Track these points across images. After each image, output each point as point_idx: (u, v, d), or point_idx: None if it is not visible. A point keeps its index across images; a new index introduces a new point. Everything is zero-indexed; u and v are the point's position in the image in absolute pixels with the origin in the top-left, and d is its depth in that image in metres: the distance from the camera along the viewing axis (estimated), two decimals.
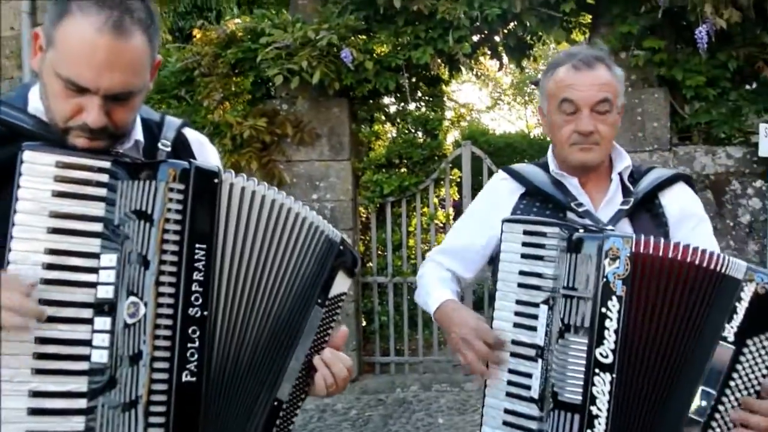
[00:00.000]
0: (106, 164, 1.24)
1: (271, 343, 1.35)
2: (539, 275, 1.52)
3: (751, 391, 1.40)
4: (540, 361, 1.51)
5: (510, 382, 1.56)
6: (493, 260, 1.76)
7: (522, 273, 1.54)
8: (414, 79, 5.99)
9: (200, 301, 1.24)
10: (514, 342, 1.56)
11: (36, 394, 1.19)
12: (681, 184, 1.78)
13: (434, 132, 5.66)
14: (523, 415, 1.53)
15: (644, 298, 1.42)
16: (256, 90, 5.34)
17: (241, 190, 1.30)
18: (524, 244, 1.55)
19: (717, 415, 1.40)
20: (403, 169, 5.64)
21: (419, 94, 6.31)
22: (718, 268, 1.42)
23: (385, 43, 5.23)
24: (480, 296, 6.12)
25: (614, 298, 1.42)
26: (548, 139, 1.86)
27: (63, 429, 1.19)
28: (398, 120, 6.13)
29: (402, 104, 6.01)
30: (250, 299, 1.32)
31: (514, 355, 1.56)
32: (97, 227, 1.23)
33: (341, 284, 1.44)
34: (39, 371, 1.19)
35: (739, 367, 1.39)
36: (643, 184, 1.74)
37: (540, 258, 1.53)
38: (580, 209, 1.68)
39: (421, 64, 5.14)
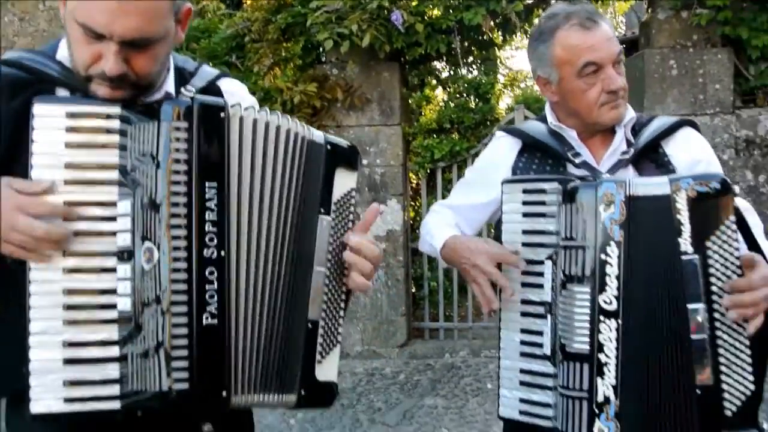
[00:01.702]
0: (116, 110, 1.24)
1: (290, 268, 1.34)
2: (542, 232, 1.55)
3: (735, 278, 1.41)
4: (549, 317, 1.54)
5: (523, 342, 1.59)
6: (497, 222, 1.75)
7: (525, 232, 1.58)
8: (466, 44, 5.93)
9: (215, 241, 1.23)
10: (524, 301, 1.58)
11: (70, 345, 1.21)
12: (685, 130, 1.74)
13: (486, 96, 5.59)
14: (538, 374, 1.55)
15: (644, 241, 1.44)
16: (306, 55, 5.34)
17: (253, 122, 1.28)
18: (525, 203, 1.58)
19: (717, 324, 1.41)
20: (454, 134, 5.65)
21: (471, 58, 6.24)
22: (651, 192, 1.45)
23: (436, 5, 5.17)
24: None
25: (613, 243, 1.44)
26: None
27: (99, 377, 1.22)
28: (450, 84, 6.07)
29: (453, 68, 5.94)
30: (265, 229, 1.31)
31: (524, 314, 1.58)
32: (113, 175, 1.23)
33: (345, 182, 1.40)
34: (70, 322, 1.21)
35: (711, 270, 1.41)
36: (644, 134, 1.71)
37: (542, 215, 1.55)
38: (578, 160, 1.68)
39: (473, 26, 5.06)
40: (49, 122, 1.20)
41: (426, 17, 5.16)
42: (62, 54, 1.34)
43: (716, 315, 1.41)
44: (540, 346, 1.55)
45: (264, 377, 1.32)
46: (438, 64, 6.05)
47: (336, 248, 1.39)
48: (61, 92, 1.32)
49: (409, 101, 5.72)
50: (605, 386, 1.45)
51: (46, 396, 1.20)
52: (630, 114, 1.73)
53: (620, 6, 6.63)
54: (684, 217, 1.43)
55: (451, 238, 1.72)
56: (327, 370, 1.38)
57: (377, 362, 5.44)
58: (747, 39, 4.68)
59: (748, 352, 1.42)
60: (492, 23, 5.30)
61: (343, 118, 5.44)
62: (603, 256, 1.45)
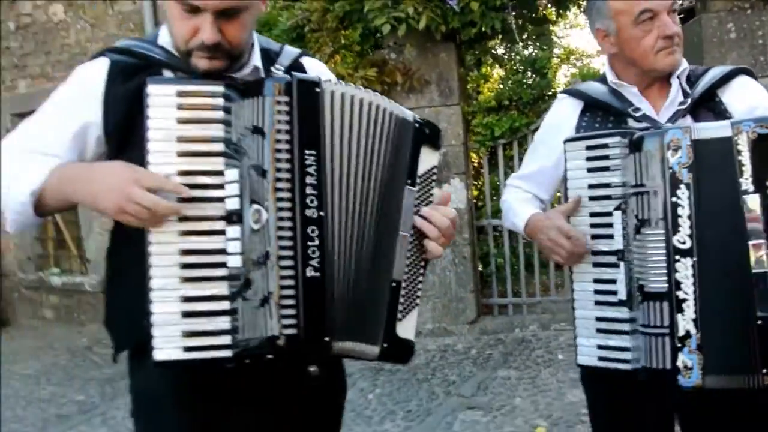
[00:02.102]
0: (220, 88, 1.36)
1: (378, 231, 1.44)
2: (608, 185, 1.61)
3: None
4: (622, 264, 1.59)
5: (597, 291, 1.65)
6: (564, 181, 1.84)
7: (591, 186, 1.65)
8: (521, 21, 5.96)
9: (315, 202, 1.34)
10: (594, 252, 1.65)
11: (186, 299, 1.33)
12: (741, 78, 1.78)
13: (543, 71, 5.60)
14: (615, 320, 1.61)
15: (710, 182, 1.50)
16: (364, 41, 5.45)
17: (341, 95, 1.39)
18: (588, 159, 1.65)
19: None
20: (513, 111, 5.64)
21: (526, 35, 6.25)
22: (713, 135, 1.51)
23: None
24: None
25: (682, 186, 1.51)
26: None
27: (212, 328, 1.34)
28: (506, 61, 6.10)
29: (509, 46, 5.97)
30: (356, 193, 1.41)
31: (596, 264, 1.65)
32: (219, 147, 1.35)
33: (429, 159, 1.50)
34: (186, 279, 1.33)
35: None
36: (700, 84, 1.75)
37: (606, 169, 1.62)
38: (638, 114, 1.73)
39: (526, 2, 5.12)
40: (162, 100, 1.33)
41: None
42: (163, 40, 1.49)
43: None
44: (614, 293, 1.61)
45: (355, 326, 1.42)
46: (493, 43, 6.09)
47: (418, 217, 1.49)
48: (167, 73, 1.47)
49: (467, 81, 5.78)
50: (685, 321, 1.51)
51: (167, 345, 1.32)
52: (684, 64, 1.78)
53: None
54: (745, 157, 1.48)
55: (531, 219, 1.81)
56: (406, 328, 1.48)
57: (449, 339, 5.54)
58: None
59: None
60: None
61: (403, 101, 5.49)
62: (674, 199, 1.51)
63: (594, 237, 1.65)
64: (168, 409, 1.49)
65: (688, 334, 1.50)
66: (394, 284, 1.46)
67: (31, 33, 7.29)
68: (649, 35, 1.70)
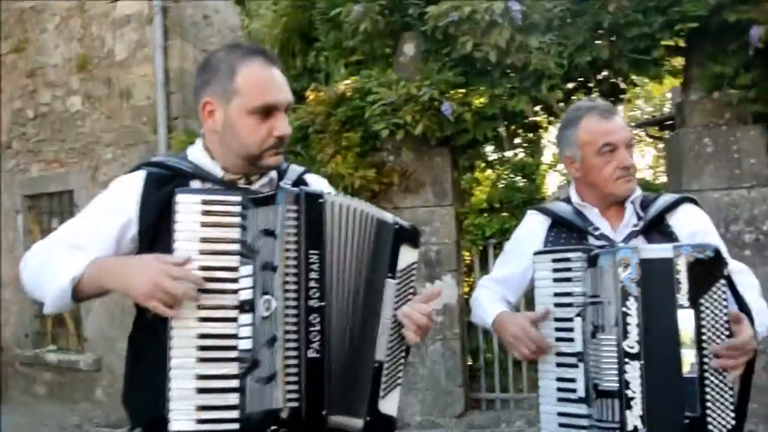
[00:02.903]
0: (238, 198, 1.57)
1: (363, 317, 1.61)
2: (570, 294, 1.82)
3: (723, 330, 1.65)
4: (581, 365, 1.78)
5: (559, 389, 1.84)
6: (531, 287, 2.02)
7: (556, 294, 1.85)
8: (513, 127, 6.25)
9: (317, 294, 1.54)
10: (558, 353, 1.84)
11: (201, 377, 1.49)
12: (685, 205, 2.01)
13: (532, 176, 5.88)
14: (575, 415, 1.79)
15: (654, 295, 1.70)
16: (364, 143, 5.70)
17: (339, 205, 1.61)
18: (554, 270, 1.86)
19: (705, 366, 1.65)
20: (503, 213, 5.90)
21: (519, 140, 6.56)
22: (657, 255, 1.72)
23: (482, 95, 5.50)
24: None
25: (631, 298, 1.71)
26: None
27: (223, 403, 1.49)
28: (497, 166, 6.40)
29: (500, 152, 6.27)
30: (348, 286, 1.60)
31: (559, 365, 1.84)
32: (236, 247, 1.54)
33: (408, 256, 1.69)
34: (202, 359, 1.50)
35: (703, 322, 1.66)
36: (651, 210, 1.98)
37: (569, 279, 1.82)
38: (597, 233, 1.96)
39: (517, 112, 5.40)
40: (188, 207, 1.53)
41: (473, 106, 5.48)
42: (194, 157, 1.73)
43: (705, 360, 1.65)
44: (574, 391, 1.80)
45: (344, 402, 1.57)
46: (486, 149, 6.38)
47: (399, 307, 1.66)
48: (195, 183, 1.68)
49: (461, 183, 6.04)
50: (633, 417, 1.69)
51: (182, 417, 1.47)
52: (638, 192, 2.01)
53: (655, 89, 6.95)
54: (683, 277, 1.68)
55: (498, 316, 2.01)
56: (389, 404, 1.64)
57: None
58: None
59: (731, 393, 1.65)
60: (537, 108, 5.68)
61: (399, 201, 5.79)
62: (624, 309, 1.71)
63: (558, 339, 1.84)
64: None
65: (635, 429, 1.68)
66: (376, 364, 1.62)
67: (49, 121, 7.58)
68: (609, 165, 1.94)
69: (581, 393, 1.78)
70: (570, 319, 1.82)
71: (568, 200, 2.09)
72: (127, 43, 7.13)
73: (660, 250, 1.73)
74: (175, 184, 1.63)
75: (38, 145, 7.68)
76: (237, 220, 1.55)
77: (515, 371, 6.02)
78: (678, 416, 1.66)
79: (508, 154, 6.09)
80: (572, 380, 1.80)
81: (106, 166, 7.12)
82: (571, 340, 1.81)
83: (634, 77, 5.63)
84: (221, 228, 1.54)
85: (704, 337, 1.66)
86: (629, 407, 1.69)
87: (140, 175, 1.68)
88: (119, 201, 1.67)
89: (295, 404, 1.49)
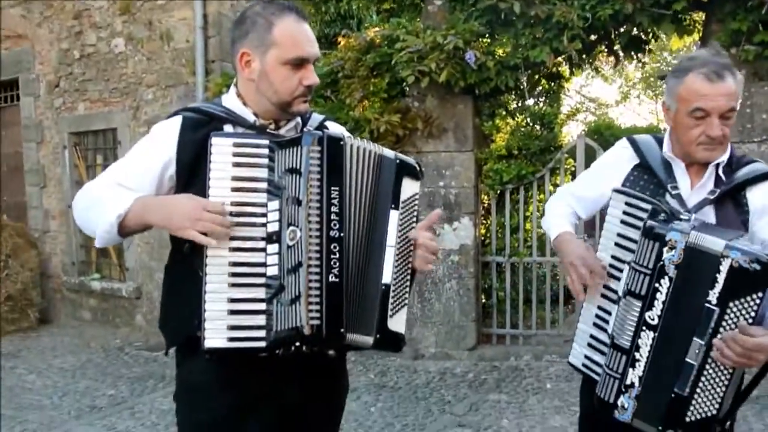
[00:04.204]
0: (266, 142, 1.69)
1: (373, 246, 1.74)
2: (632, 239, 1.87)
3: None
4: (617, 306, 1.89)
5: (597, 315, 1.96)
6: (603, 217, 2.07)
7: (619, 235, 1.91)
8: (535, 77, 6.40)
9: (337, 226, 1.66)
10: (605, 286, 1.93)
11: (232, 300, 1.62)
12: None
13: (550, 125, 6.02)
14: (601, 341, 1.95)
15: (688, 280, 1.75)
16: (391, 89, 5.88)
17: (357, 148, 1.73)
18: (624, 213, 1.90)
19: (709, 359, 1.74)
20: (521, 159, 6.00)
21: (539, 90, 6.69)
22: (702, 246, 1.72)
23: (505, 45, 5.67)
24: None
25: (666, 277, 1.78)
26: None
27: (251, 323, 1.63)
28: (517, 114, 6.55)
29: (521, 100, 6.42)
30: (361, 217, 1.72)
31: (603, 296, 1.94)
32: (263, 185, 1.66)
33: (410, 188, 1.80)
34: (233, 285, 1.63)
35: (723, 323, 1.71)
36: (736, 176, 1.93)
37: (635, 226, 1.87)
38: (674, 192, 1.94)
39: (538, 62, 5.54)
40: (222, 149, 1.65)
41: (496, 56, 5.65)
42: (229, 103, 1.83)
43: (711, 353, 1.72)
44: (607, 322, 1.92)
45: (358, 321, 1.70)
46: (507, 97, 6.52)
47: (403, 234, 1.77)
48: (228, 127, 1.79)
49: (482, 129, 6.18)
50: (634, 375, 1.83)
51: (216, 336, 1.61)
52: (725, 155, 1.94)
53: (675, 42, 7.00)
54: (721, 277, 1.69)
55: (563, 234, 2.08)
56: (397, 323, 1.76)
57: (449, 363, 5.95)
58: None
59: (724, 388, 1.73)
60: (560, 59, 5.82)
61: (422, 145, 6.01)
62: (657, 285, 1.79)
63: (609, 274, 1.92)
64: (206, 391, 1.77)
65: (632, 385, 1.84)
66: (384, 287, 1.73)
67: (93, 61, 7.84)
68: (696, 128, 1.87)
69: (610, 328, 1.90)
70: (624, 262, 1.88)
71: (661, 141, 2.05)
72: None
73: (712, 243, 1.71)
74: (211, 127, 1.74)
75: (84, 85, 7.96)
76: (265, 161, 1.67)
77: (525, 309, 6.26)
78: (668, 389, 1.77)
79: (529, 102, 6.23)
80: (608, 312, 1.92)
81: (147, 107, 7.41)
82: (618, 279, 1.90)
83: (655, 31, 5.71)
84: (251, 168, 1.66)
85: (719, 336, 1.71)
86: (633, 366, 1.83)
87: (177, 120, 1.78)
88: (159, 143, 1.77)
89: (317, 322, 1.60)
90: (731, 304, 1.69)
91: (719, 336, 1.70)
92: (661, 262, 1.78)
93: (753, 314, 1.67)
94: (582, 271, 1.91)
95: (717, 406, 1.74)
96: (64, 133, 8.20)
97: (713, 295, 1.70)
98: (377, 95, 5.81)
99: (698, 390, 1.75)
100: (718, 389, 1.74)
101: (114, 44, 7.67)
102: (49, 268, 8.65)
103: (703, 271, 1.72)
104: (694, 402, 1.76)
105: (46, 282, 8.66)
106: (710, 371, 1.74)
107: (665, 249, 1.77)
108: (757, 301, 1.66)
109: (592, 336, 1.97)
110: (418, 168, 1.83)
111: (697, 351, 1.74)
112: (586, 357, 1.99)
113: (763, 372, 1.79)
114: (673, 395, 1.78)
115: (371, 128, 5.72)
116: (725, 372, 1.73)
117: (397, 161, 1.79)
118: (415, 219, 1.82)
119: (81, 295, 8.38)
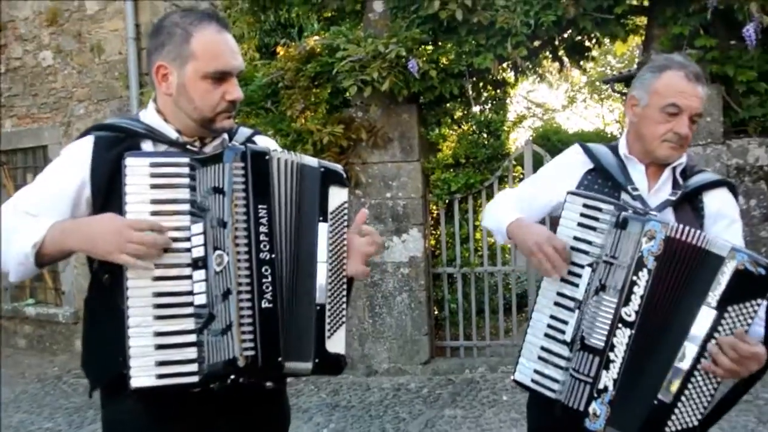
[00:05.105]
0: (186, 159, 1.59)
1: (304, 264, 1.65)
2: (589, 242, 1.79)
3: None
4: (576, 312, 1.78)
5: (549, 326, 1.84)
6: (554, 221, 1.97)
7: (576, 238, 1.82)
8: (480, 84, 6.36)
9: (267, 247, 1.57)
10: (559, 294, 1.83)
11: (158, 334, 1.52)
12: (724, 189, 1.98)
13: (497, 133, 5.99)
14: (555, 353, 1.82)
15: (666, 273, 1.68)
16: (333, 99, 5.78)
17: (284, 161, 1.64)
18: (581, 215, 1.82)
19: (699, 366, 1.65)
20: (468, 168, 5.95)
21: (485, 97, 6.65)
22: (706, 246, 1.67)
23: (449, 52, 5.61)
24: None
25: (645, 269, 1.70)
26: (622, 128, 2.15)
27: (181, 357, 1.52)
28: (463, 122, 6.50)
29: (467, 108, 6.37)
30: (290, 235, 1.63)
31: (556, 304, 1.83)
32: (186, 206, 1.56)
33: (338, 197, 1.72)
34: (158, 317, 1.52)
35: (720, 328, 1.63)
36: (692, 181, 1.95)
37: (593, 228, 1.79)
38: (635, 192, 1.92)
39: (482, 69, 5.50)
40: (137, 170, 1.55)
41: (440, 63, 5.59)
42: (146, 119, 1.72)
43: (702, 360, 1.64)
44: (562, 332, 1.80)
45: (294, 347, 1.60)
46: (452, 105, 6.46)
47: (335, 247, 1.69)
48: (146, 144, 1.68)
49: (427, 139, 6.11)
50: (607, 378, 1.72)
51: (142, 374, 1.50)
52: (684, 158, 1.96)
53: (618, 47, 7.06)
54: (724, 278, 1.63)
55: (518, 219, 1.97)
56: (335, 344, 1.67)
57: (403, 378, 5.83)
58: (734, 75, 5.05)
59: (709, 398, 1.66)
60: (504, 65, 5.77)
61: (367, 156, 5.91)
62: (634, 278, 1.70)
63: (562, 280, 1.81)
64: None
65: (605, 389, 1.71)
66: (318, 307, 1.65)
67: (20, 75, 7.53)
68: (665, 125, 1.87)
69: (568, 337, 1.80)
70: (581, 266, 1.80)
71: (615, 149, 2.04)
72: None
73: (719, 247, 1.67)
74: (126, 145, 1.64)
75: (10, 100, 7.65)
76: (185, 180, 1.58)
77: (478, 320, 6.21)
78: (651, 395, 1.68)
79: (475, 110, 6.17)
80: (564, 322, 1.81)
81: (80, 122, 7.13)
82: (575, 285, 1.81)
83: (598, 35, 5.72)
84: (171, 189, 1.57)
85: (712, 340, 1.64)
86: (607, 368, 1.73)
87: (89, 140, 1.67)
88: (71, 165, 1.66)
89: (251, 353, 1.51)
90: (730, 309, 1.63)
91: (713, 341, 1.63)
92: (639, 254, 1.70)
93: (749, 321, 1.62)
94: (548, 249, 1.80)
95: (699, 416, 1.66)
96: None
97: (713, 297, 1.64)
98: (319, 106, 5.72)
99: (683, 398, 1.66)
100: (703, 398, 1.66)
101: (41, 57, 7.39)
102: None
103: (699, 269, 1.66)
104: (676, 411, 1.67)
105: None
106: (698, 378, 1.66)
107: (644, 240, 1.70)
108: (756, 308, 1.62)
109: (543, 348, 1.85)
110: (344, 174, 1.75)
111: (687, 354, 1.66)
112: (537, 372, 1.85)
113: (749, 384, 1.73)
114: (656, 402, 1.67)
115: (314, 140, 5.61)
116: (713, 381, 1.66)
117: (322, 169, 1.70)
118: (345, 228, 1.74)
119: (14, 322, 8.07)
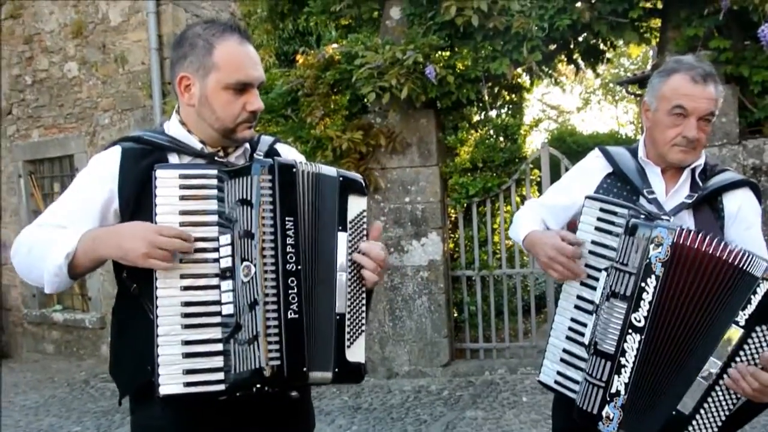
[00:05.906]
0: (214, 171, 1.61)
1: (325, 274, 1.65)
2: (606, 246, 1.82)
3: (756, 363, 1.64)
4: (594, 315, 1.81)
5: (570, 328, 1.88)
6: (570, 225, 2.06)
7: (594, 242, 1.85)
8: (497, 89, 6.40)
9: (294, 258, 1.58)
10: (579, 297, 1.86)
11: (186, 343, 1.53)
12: (746, 190, 1.97)
13: (514, 137, 6.04)
14: (576, 356, 1.86)
15: (677, 279, 1.68)
16: (352, 106, 5.83)
17: (309, 173, 1.65)
18: (599, 219, 1.84)
19: (721, 382, 1.66)
20: (486, 172, 5.99)
21: (501, 101, 6.70)
22: (741, 265, 1.65)
23: (466, 58, 5.65)
24: None
25: (653, 276, 1.70)
26: (638, 135, 2.19)
27: (208, 366, 1.54)
28: (480, 127, 6.55)
29: (483, 112, 6.43)
30: (314, 245, 1.64)
31: (576, 307, 1.87)
32: (214, 218, 1.58)
33: (357, 206, 1.71)
34: (187, 326, 1.54)
35: (746, 347, 1.64)
36: (712, 182, 1.94)
37: (609, 232, 1.82)
38: (650, 196, 1.93)
39: (499, 74, 5.54)
40: (167, 182, 1.57)
41: (456, 69, 5.63)
42: (172, 132, 1.75)
43: (724, 376, 1.65)
44: (582, 335, 1.83)
45: (316, 357, 1.61)
46: (469, 110, 6.50)
47: (352, 258, 1.68)
48: (172, 156, 1.71)
49: (445, 143, 6.16)
50: (619, 382, 1.73)
51: (171, 382, 1.51)
52: (700, 160, 1.96)
53: (633, 49, 7.08)
54: (756, 299, 1.62)
55: (531, 233, 2.02)
56: (355, 353, 1.66)
57: (423, 380, 5.88)
58: (749, 76, 5.06)
59: (728, 413, 1.68)
60: (520, 70, 5.82)
61: (386, 161, 5.97)
62: (643, 284, 1.71)
63: (582, 284, 1.85)
64: None
65: (618, 393, 1.73)
66: (338, 317, 1.65)
67: (46, 87, 7.69)
68: (674, 128, 1.88)
69: (586, 340, 1.82)
70: (599, 270, 1.82)
71: (634, 152, 2.05)
72: (121, 9, 7.22)
73: (755, 265, 1.65)
74: (154, 157, 1.66)
75: (37, 111, 7.81)
76: (214, 192, 1.60)
77: (497, 322, 6.24)
78: (669, 404, 1.69)
79: (491, 114, 6.23)
80: (583, 325, 1.84)
81: (104, 131, 7.28)
82: (593, 288, 1.83)
83: (612, 39, 5.76)
84: (199, 201, 1.58)
85: (736, 359, 1.65)
86: (618, 373, 1.74)
87: (116, 150, 1.70)
88: (99, 177, 1.68)
89: (277, 362, 1.52)
90: (758, 329, 1.63)
91: (734, 366, 1.64)
92: (647, 260, 1.71)
93: None
94: (561, 260, 1.85)
95: (716, 429, 1.68)
96: (18, 162, 8.04)
97: (742, 316, 1.63)
98: (338, 112, 5.77)
99: (702, 410, 1.68)
100: (721, 413, 1.68)
101: (67, 68, 7.55)
102: (8, 301, 8.47)
103: (728, 284, 1.65)
104: (694, 423, 1.69)
105: (6, 315, 8.47)
106: (719, 393, 1.67)
107: (651, 246, 1.70)
108: None
109: (565, 350, 1.89)
110: (363, 183, 1.76)
111: (711, 371, 1.66)
112: (559, 373, 1.89)
113: (756, 411, 1.72)
114: (674, 413, 1.69)
115: (334, 146, 5.67)
116: (733, 397, 1.67)
117: (341, 179, 1.71)
118: (364, 237, 1.74)
119: (43, 327, 8.20)
